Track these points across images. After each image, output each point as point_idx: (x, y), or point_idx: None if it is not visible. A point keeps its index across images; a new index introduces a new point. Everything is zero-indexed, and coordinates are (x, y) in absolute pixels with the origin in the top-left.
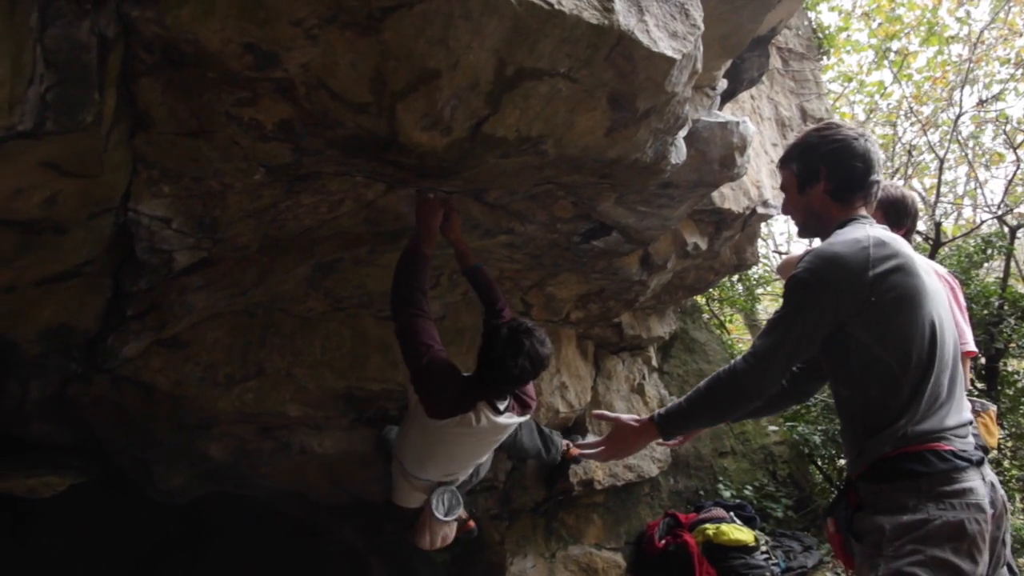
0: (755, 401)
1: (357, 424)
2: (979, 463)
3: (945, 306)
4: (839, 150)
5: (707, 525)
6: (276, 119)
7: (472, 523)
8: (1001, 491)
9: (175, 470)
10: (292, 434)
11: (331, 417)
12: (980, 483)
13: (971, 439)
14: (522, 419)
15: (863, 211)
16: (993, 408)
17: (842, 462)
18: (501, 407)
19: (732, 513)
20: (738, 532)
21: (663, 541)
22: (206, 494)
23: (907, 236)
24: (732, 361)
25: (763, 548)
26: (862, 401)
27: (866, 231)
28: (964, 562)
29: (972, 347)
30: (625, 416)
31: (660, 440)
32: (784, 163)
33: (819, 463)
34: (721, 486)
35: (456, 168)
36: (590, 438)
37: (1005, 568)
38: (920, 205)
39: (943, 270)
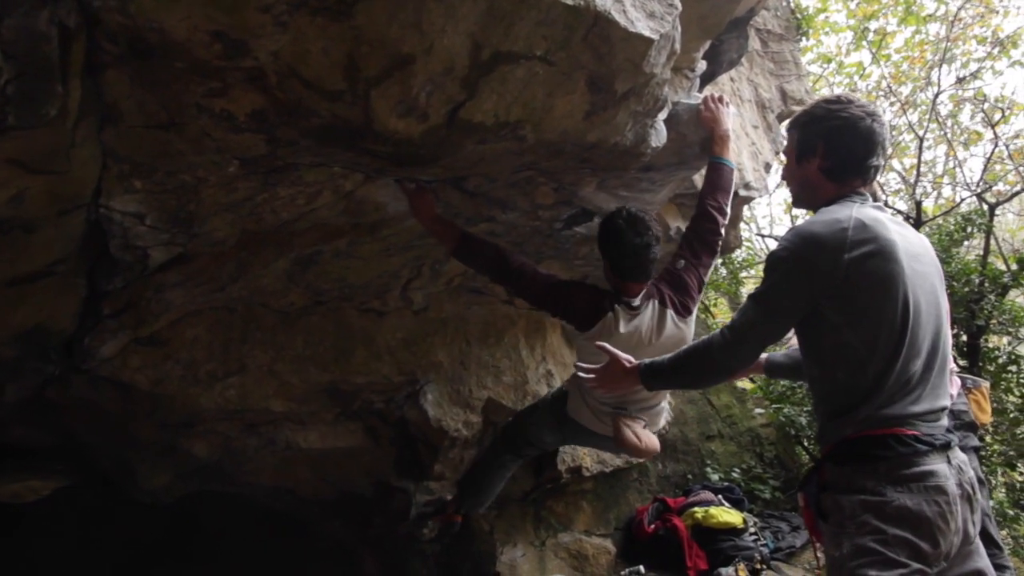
0: (726, 375)
1: (342, 418)
2: (944, 447)
3: (929, 291)
4: (840, 128)
5: (696, 509)
6: (248, 109)
7: (458, 516)
8: (970, 472)
9: (159, 470)
10: (277, 430)
11: (316, 412)
12: (944, 466)
13: (943, 423)
14: (683, 323)
15: (861, 189)
16: (985, 384)
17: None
18: (635, 303)
19: (720, 496)
20: (727, 515)
21: (652, 526)
22: (192, 493)
23: None
24: (711, 333)
25: (751, 530)
26: (829, 382)
27: (850, 211)
28: (924, 542)
29: None
30: (621, 355)
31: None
32: (790, 128)
33: (805, 444)
34: (709, 469)
35: (434, 155)
36: None
37: (978, 540)
38: (900, 185)
39: None
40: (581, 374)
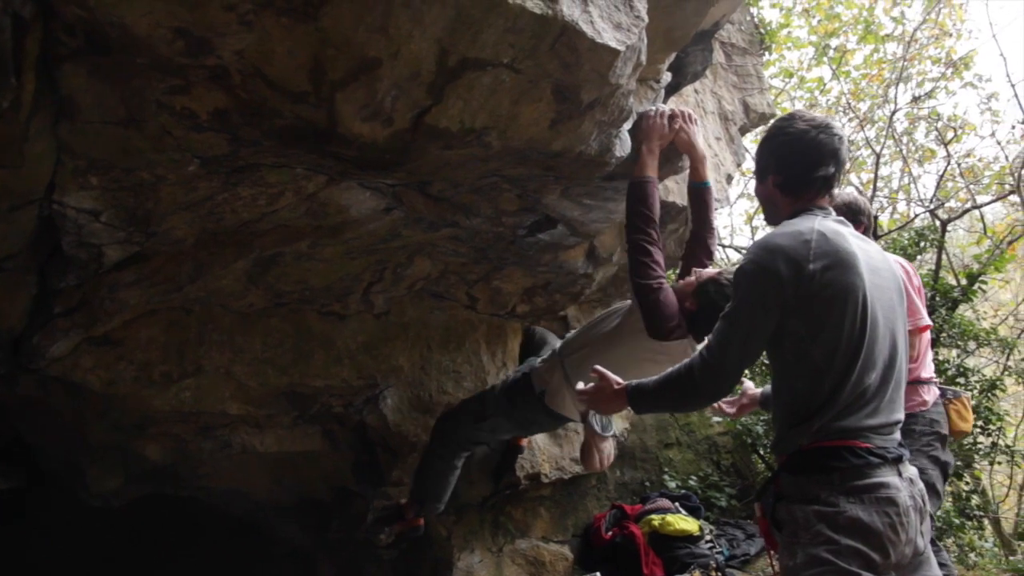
0: (709, 398)
1: (300, 422)
2: (896, 460)
3: (887, 305)
4: (787, 143)
5: (653, 516)
6: (210, 108)
7: (420, 520)
8: (920, 485)
9: (110, 473)
10: (233, 433)
11: (273, 415)
12: (896, 479)
13: (896, 436)
14: None
15: (820, 202)
16: (966, 395)
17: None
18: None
19: (677, 503)
20: (683, 522)
21: (610, 533)
22: (144, 497)
23: (866, 233)
24: (691, 357)
25: (708, 537)
26: (787, 392)
27: (811, 224)
28: (875, 553)
29: (925, 321)
30: (612, 376)
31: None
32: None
33: (761, 453)
34: (667, 477)
35: (398, 160)
36: None
37: (929, 551)
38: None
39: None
40: (578, 390)
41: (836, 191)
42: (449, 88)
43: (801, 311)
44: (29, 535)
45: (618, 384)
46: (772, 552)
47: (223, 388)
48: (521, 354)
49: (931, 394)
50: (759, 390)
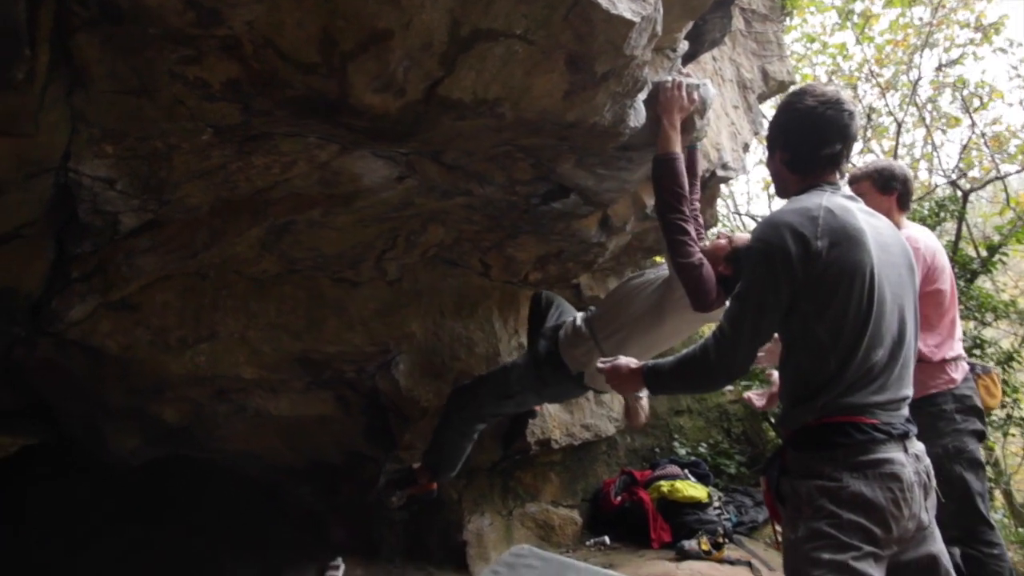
0: (725, 379)
1: (313, 387)
2: (902, 436)
3: (896, 281)
4: (795, 119)
5: (662, 482)
6: (223, 78)
7: (434, 485)
8: (927, 461)
9: (127, 434)
10: (247, 397)
11: (286, 380)
12: (901, 455)
13: (903, 412)
14: None
15: (828, 178)
16: (996, 370)
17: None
18: None
19: (686, 470)
20: (692, 489)
21: (619, 498)
22: (162, 457)
23: (900, 201)
24: (705, 337)
25: (716, 504)
26: (794, 368)
27: (819, 200)
28: (876, 527)
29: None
30: (624, 359)
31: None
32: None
33: (772, 421)
34: (676, 444)
35: (410, 131)
36: None
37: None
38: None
39: (917, 233)
40: (599, 365)
41: (847, 166)
42: (461, 59)
43: (808, 288)
44: (48, 493)
45: (636, 364)
46: (777, 524)
47: (237, 353)
48: (530, 322)
49: (959, 371)
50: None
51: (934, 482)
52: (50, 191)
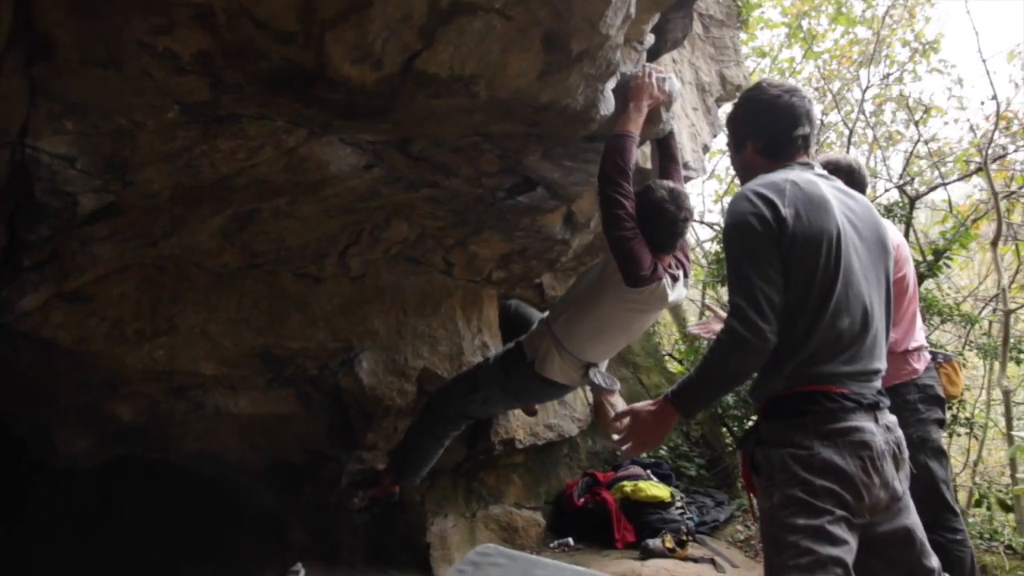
0: (763, 344)
1: (274, 384)
2: (872, 406)
3: (865, 255)
4: (763, 109)
5: (625, 482)
6: (194, 50)
7: (396, 487)
8: (899, 433)
9: (79, 434)
10: (206, 394)
11: (247, 376)
12: (871, 424)
13: (875, 384)
14: (686, 290)
15: (800, 159)
16: (957, 359)
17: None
18: (676, 274)
19: (649, 471)
20: (655, 488)
21: (582, 499)
22: (113, 459)
23: (861, 187)
24: (718, 332)
25: (678, 504)
26: None
27: (785, 175)
28: (848, 494)
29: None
30: (638, 405)
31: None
32: (726, 124)
33: (730, 425)
34: None
35: (385, 107)
36: None
37: (908, 497)
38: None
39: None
40: (615, 440)
41: (814, 149)
42: (440, 32)
43: (777, 254)
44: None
45: (653, 404)
46: (753, 496)
47: (197, 348)
48: (502, 331)
49: (921, 361)
50: None
51: (906, 454)
52: (5, 167)
